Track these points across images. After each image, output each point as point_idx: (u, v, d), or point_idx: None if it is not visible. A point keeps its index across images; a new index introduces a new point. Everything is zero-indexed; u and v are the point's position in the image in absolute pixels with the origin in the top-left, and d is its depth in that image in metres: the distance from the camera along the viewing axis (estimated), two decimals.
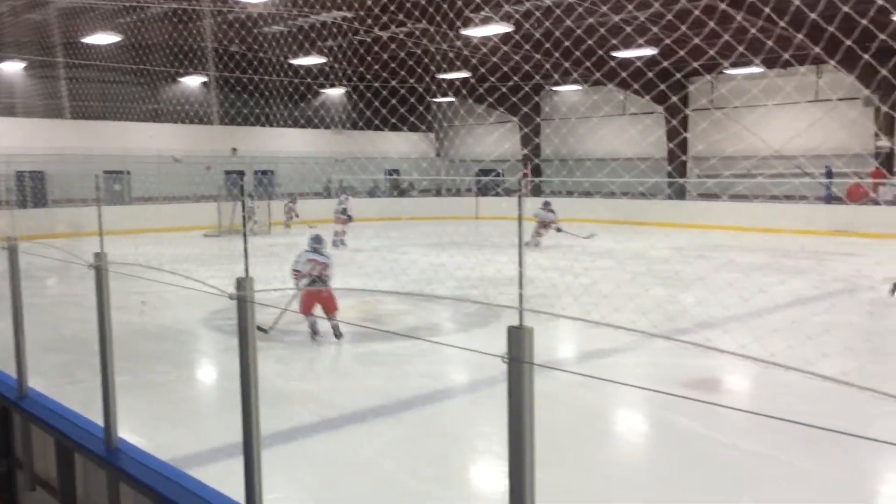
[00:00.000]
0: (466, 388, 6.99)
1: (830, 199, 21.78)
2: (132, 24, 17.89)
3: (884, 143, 22.31)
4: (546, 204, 18.09)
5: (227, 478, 3.31)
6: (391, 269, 12.99)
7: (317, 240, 9.09)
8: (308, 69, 25.07)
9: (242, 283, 2.90)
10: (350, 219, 18.40)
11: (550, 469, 4.75)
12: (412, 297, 10.91)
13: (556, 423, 5.63)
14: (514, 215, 2.44)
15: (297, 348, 8.40)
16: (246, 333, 2.90)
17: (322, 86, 28.46)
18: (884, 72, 16.87)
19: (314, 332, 8.73)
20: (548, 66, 17.77)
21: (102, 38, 19.03)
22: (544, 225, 17.64)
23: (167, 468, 3.49)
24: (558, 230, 17.54)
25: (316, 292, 8.65)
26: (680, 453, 5.27)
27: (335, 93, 31.92)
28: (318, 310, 8.74)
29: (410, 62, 13.20)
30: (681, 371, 7.07)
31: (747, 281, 11.61)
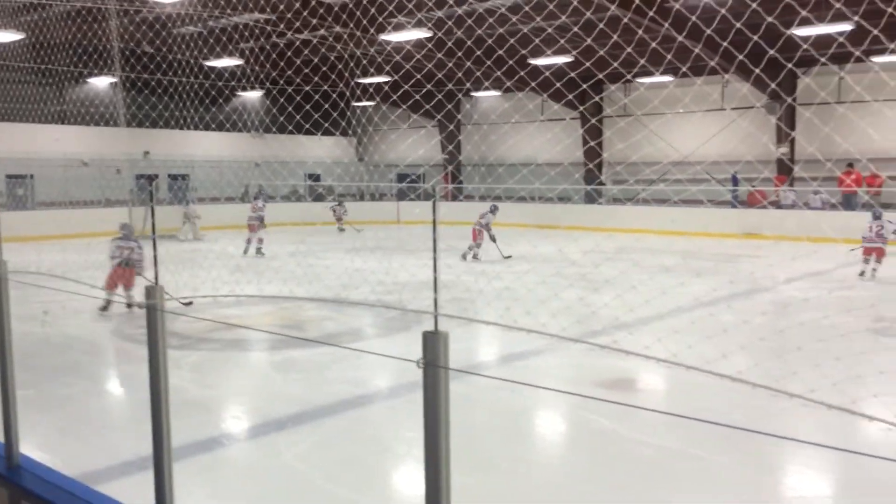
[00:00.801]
0: (388, 394, 6.99)
1: (736, 203, 22.81)
2: (35, 22, 17.12)
3: (784, 149, 23.52)
4: (495, 208, 16.64)
5: (138, 492, 3.22)
6: (306, 275, 12.85)
7: (124, 227, 10.50)
8: (223, 71, 24.55)
9: (152, 292, 2.84)
10: (263, 225, 18.04)
11: (471, 471, 4.82)
12: (332, 302, 10.83)
13: (476, 426, 5.71)
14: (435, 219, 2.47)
15: (212, 356, 8.22)
16: (156, 343, 2.83)
17: (238, 88, 27.91)
18: (773, 85, 17.74)
19: (105, 307, 9.78)
20: (460, 73, 17.97)
21: (3, 36, 18.15)
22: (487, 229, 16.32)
23: (73, 484, 3.37)
24: (493, 239, 16.34)
25: (120, 272, 9.87)
26: (598, 452, 5.42)
27: (252, 96, 31.35)
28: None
29: (326, 66, 13.14)
30: (595, 372, 7.26)
31: (656, 283, 12.02)
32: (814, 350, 7.12)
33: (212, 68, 23.19)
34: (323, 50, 19.08)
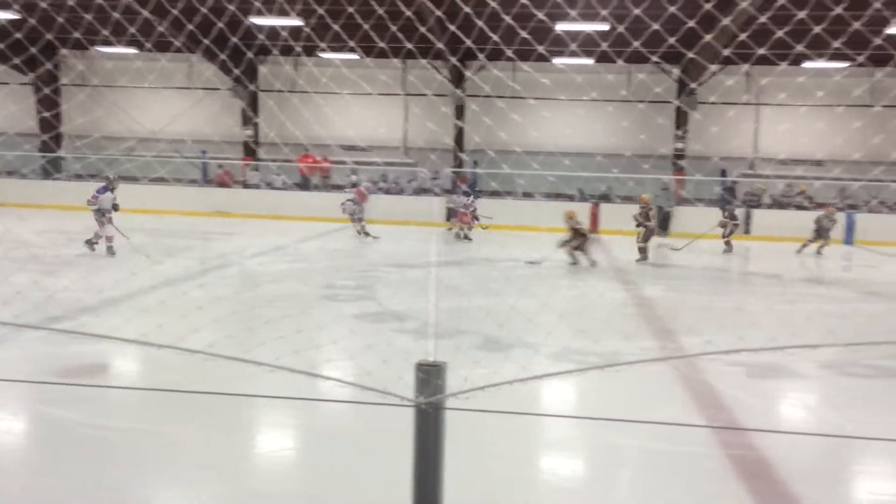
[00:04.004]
0: None
1: (203, 182, 23.33)
2: None
3: (249, 132, 24.86)
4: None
5: None
6: None
7: None
8: None
9: None
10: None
11: None
12: None
13: None
14: None
15: None
16: None
17: None
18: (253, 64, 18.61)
19: None
20: None
21: None
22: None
23: None
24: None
25: None
26: (58, 443, 4.99)
27: None
28: None
29: None
30: (55, 360, 6.68)
31: (126, 263, 11.61)
32: (279, 319, 7.75)
33: None
34: None
